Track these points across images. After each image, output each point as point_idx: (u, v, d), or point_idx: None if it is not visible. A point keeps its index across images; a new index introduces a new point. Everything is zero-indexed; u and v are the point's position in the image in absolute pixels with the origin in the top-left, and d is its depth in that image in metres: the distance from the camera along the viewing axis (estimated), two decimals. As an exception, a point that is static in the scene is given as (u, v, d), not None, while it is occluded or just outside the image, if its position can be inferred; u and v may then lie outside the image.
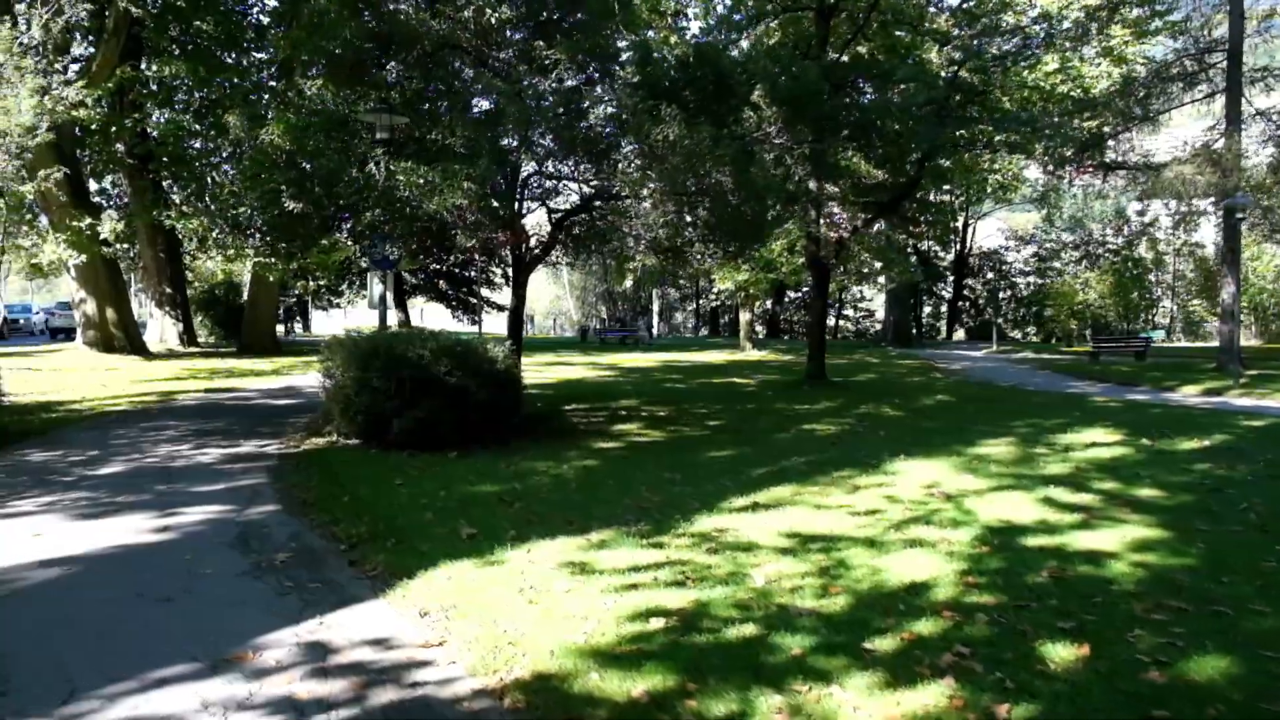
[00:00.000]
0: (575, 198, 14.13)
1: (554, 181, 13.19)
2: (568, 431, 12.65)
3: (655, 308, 65.71)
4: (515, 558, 5.85)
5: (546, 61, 11.63)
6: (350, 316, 68.42)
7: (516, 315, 14.24)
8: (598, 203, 13.46)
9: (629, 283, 43.15)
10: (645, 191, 11.10)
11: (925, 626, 4.64)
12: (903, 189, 20.26)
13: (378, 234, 12.14)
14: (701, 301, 65.85)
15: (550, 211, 13.84)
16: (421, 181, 10.16)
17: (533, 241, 14.07)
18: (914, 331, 47.46)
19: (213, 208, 21.31)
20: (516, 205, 12.98)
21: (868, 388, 20.38)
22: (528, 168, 12.50)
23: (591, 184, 12.61)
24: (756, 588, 5.29)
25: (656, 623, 4.61)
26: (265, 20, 27.54)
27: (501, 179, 11.71)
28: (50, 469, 8.97)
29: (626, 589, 5.20)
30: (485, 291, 47.23)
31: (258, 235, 25.08)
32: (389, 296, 12.87)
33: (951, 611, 4.86)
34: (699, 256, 13.16)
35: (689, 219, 11.73)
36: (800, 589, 5.26)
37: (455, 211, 10.71)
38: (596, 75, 12.00)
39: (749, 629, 4.55)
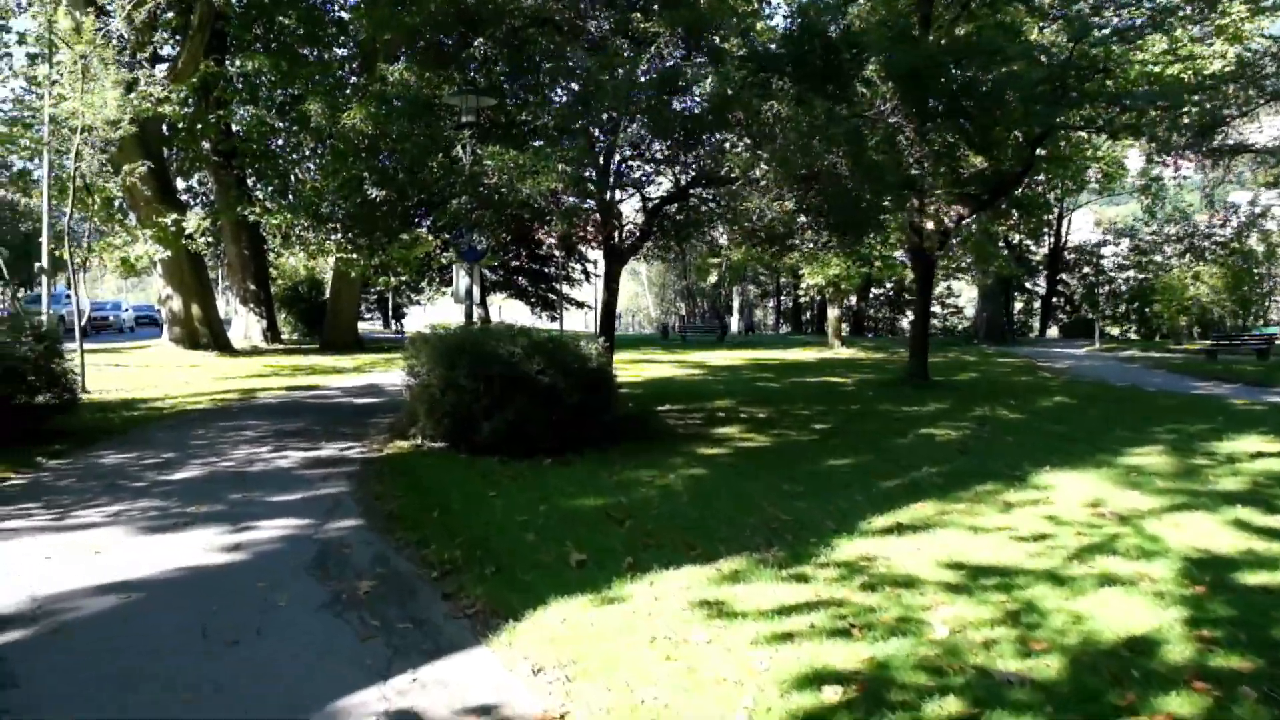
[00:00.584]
0: (668, 184, 13.23)
1: (651, 165, 12.28)
2: (665, 435, 11.73)
3: (735, 304, 64.44)
4: (637, 593, 4.94)
5: (645, 35, 10.72)
6: (430, 313, 68.82)
7: (609, 310, 13.38)
8: (696, 189, 12.51)
9: (713, 278, 42.03)
10: (757, 173, 10.10)
11: (1180, 704, 3.59)
12: (1013, 175, 18.87)
13: (464, 224, 11.39)
14: (782, 298, 64.39)
15: (645, 199, 12.93)
16: (512, 166, 9.33)
17: (624, 231, 13.19)
18: (1006, 328, 45.44)
19: (296, 203, 20.95)
20: (609, 193, 12.10)
21: (974, 388, 19.04)
22: (622, 151, 11.61)
23: (692, 168, 11.65)
24: (939, 640, 4.29)
25: (831, 692, 3.65)
26: (346, 16, 27.28)
27: (595, 163, 10.85)
28: (123, 473, 8.39)
29: (779, 639, 4.25)
30: (564, 288, 46.73)
31: (340, 230, 24.81)
32: (475, 290, 12.12)
33: (1202, 681, 3.81)
34: (808, 245, 12.12)
35: (800, 205, 10.70)
36: (994, 643, 4.24)
37: (549, 197, 9.88)
38: (699, 49, 11.04)
39: (952, 705, 3.56)
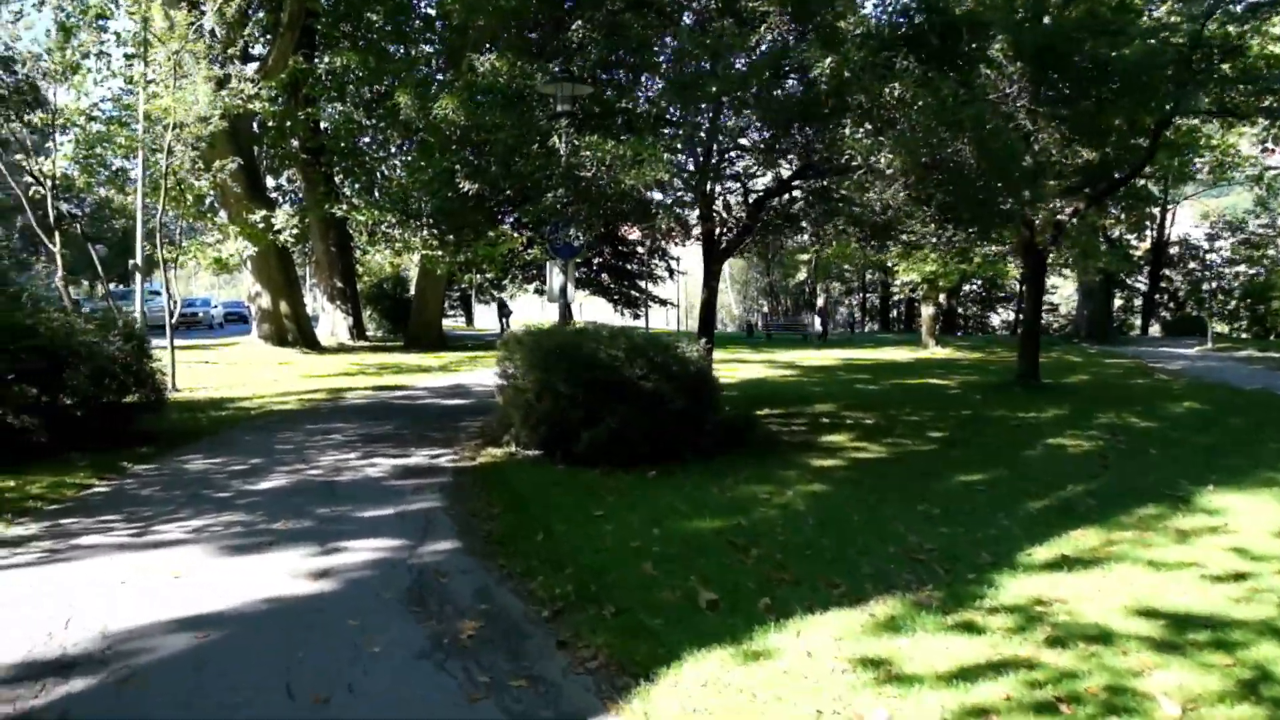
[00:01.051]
0: (769, 176, 12.43)
1: (753, 156, 11.50)
2: (771, 443, 10.96)
3: (820, 302, 63.03)
4: (784, 646, 4.21)
5: (753, 15, 9.96)
6: (516, 310, 68.86)
7: (709, 309, 12.66)
8: (804, 180, 11.69)
9: (801, 275, 40.93)
10: (881, 161, 9.26)
11: None
12: (1136, 163, 17.55)
13: (559, 218, 10.79)
14: (866, 295, 62.76)
15: (747, 192, 12.17)
16: (614, 156, 8.67)
17: (725, 226, 12.43)
18: (1109, 327, 43.31)
19: (382, 200, 20.74)
20: (709, 185, 11.37)
21: (1090, 391, 17.77)
22: (724, 142, 10.86)
23: (801, 157, 10.84)
24: (1174, 723, 3.48)
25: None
26: (432, 11, 27.10)
27: (694, 154, 10.13)
28: (208, 480, 7.97)
29: (974, 717, 3.49)
30: (646, 285, 46.08)
31: (426, 227, 24.59)
32: (571, 289, 11.51)
33: None
34: (927, 240, 11.22)
35: (920, 195, 9.82)
36: (1248, 733, 3.42)
37: (651, 190, 9.20)
38: (811, 28, 10.22)
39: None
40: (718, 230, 11.94)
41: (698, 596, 4.88)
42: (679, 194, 10.19)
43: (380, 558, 5.69)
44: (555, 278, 11.45)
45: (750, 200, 12.11)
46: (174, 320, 16.91)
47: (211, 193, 24.40)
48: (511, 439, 9.67)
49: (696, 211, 10.66)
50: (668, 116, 9.25)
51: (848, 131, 9.62)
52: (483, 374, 19.60)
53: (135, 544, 5.91)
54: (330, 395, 15.05)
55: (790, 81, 10.69)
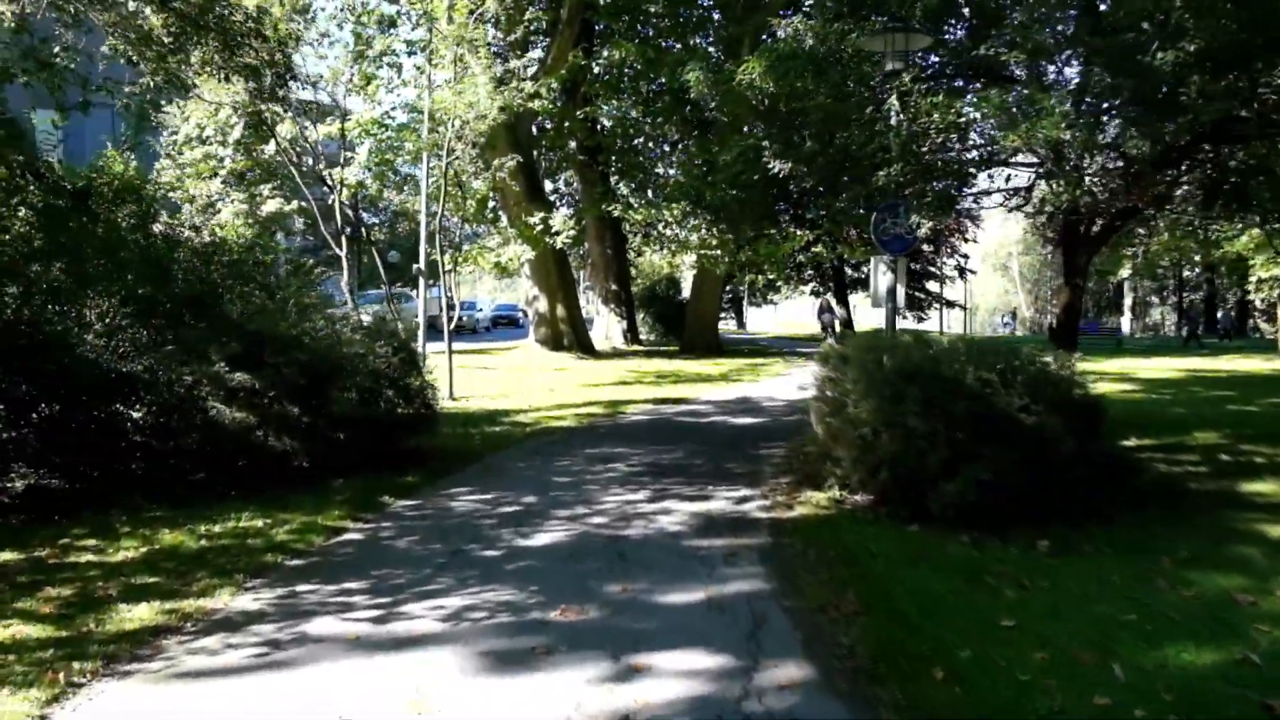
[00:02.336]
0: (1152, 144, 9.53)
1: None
2: (1173, 493, 8.13)
3: (1128, 302, 55.95)
4: None
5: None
6: (779, 313, 66.91)
7: (1072, 314, 9.97)
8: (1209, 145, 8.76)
9: (1125, 272, 35.89)
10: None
11: None
12: None
13: (893, 200, 8.60)
14: (1186, 295, 54.91)
15: (1128, 160, 9.36)
16: (993, 107, 6.37)
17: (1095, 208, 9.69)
18: None
19: (671, 191, 19.40)
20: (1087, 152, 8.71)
21: None
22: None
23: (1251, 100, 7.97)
24: None
25: None
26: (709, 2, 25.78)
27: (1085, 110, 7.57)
28: (475, 529, 6.50)
29: None
30: (929, 285, 42.37)
31: (708, 224, 23.06)
32: (900, 292, 9.28)
33: None
34: None
35: None
36: None
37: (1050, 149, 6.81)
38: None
39: None
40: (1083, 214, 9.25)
41: None
42: (1047, 162, 7.74)
43: (699, 693, 3.81)
44: (882, 277, 9.23)
45: (1133, 171, 9.27)
46: (451, 326, 16.28)
47: (494, 196, 24.28)
48: (835, 481, 7.60)
49: (1072, 186, 8.09)
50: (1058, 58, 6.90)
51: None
52: (768, 386, 17.66)
53: (374, 638, 4.39)
54: (608, 409, 13.66)
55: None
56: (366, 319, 9.67)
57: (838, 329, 17.51)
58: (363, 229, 17.65)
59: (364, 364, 8.32)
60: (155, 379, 7.47)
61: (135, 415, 7.32)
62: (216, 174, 29.72)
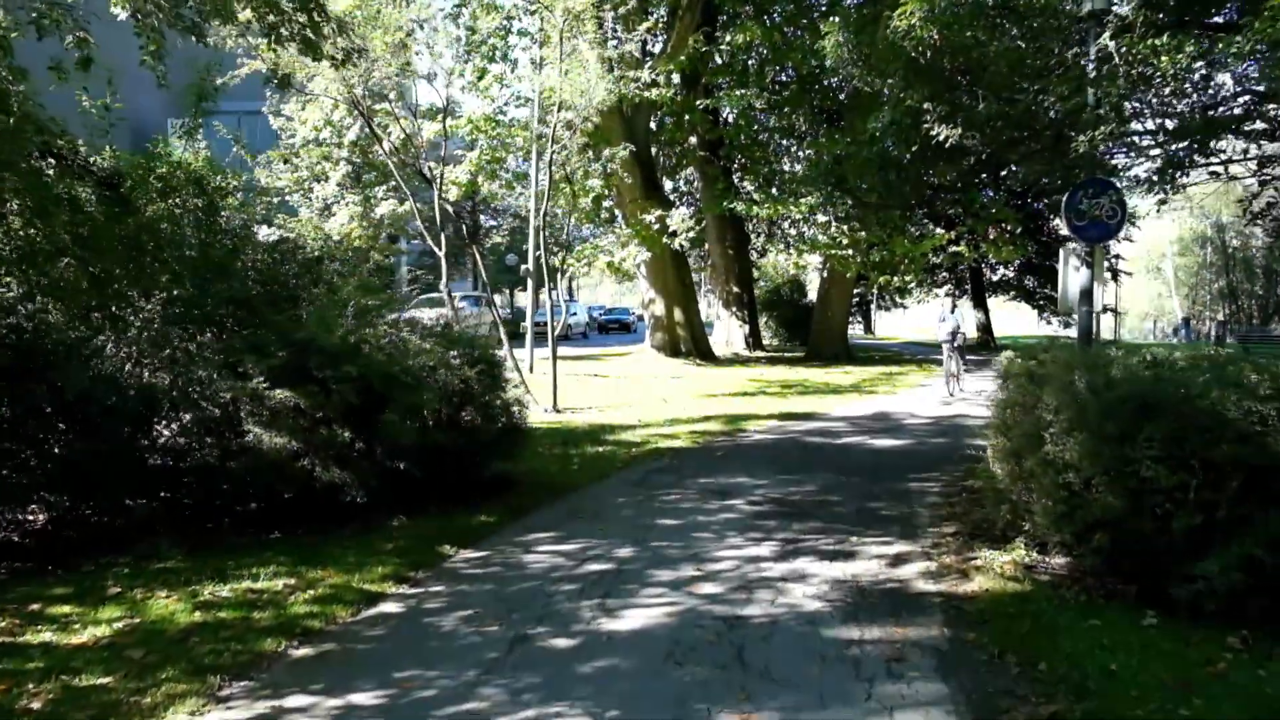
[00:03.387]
0: None
1: None
2: None
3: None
4: None
5: None
6: (909, 317, 63.68)
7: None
8: None
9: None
10: None
11: None
12: None
13: (1096, 173, 6.70)
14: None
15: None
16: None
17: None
18: None
19: (809, 172, 17.70)
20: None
21: None
22: None
23: None
24: None
25: None
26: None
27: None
28: (545, 600, 4.98)
29: None
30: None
31: (834, 220, 21.19)
32: (1099, 294, 7.34)
33: None
34: None
35: None
36: None
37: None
38: None
39: None
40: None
41: None
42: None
43: None
44: (1074, 275, 7.28)
45: None
46: (558, 332, 14.94)
47: (610, 194, 22.99)
48: (1022, 539, 5.79)
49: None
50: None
51: None
52: (908, 399, 15.70)
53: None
54: (727, 426, 12.03)
55: None
56: (428, 319, 8.32)
57: (961, 340, 15.32)
58: (464, 227, 16.49)
59: (435, 378, 6.94)
60: (186, 397, 6.26)
61: (161, 440, 6.14)
62: (328, 176, 29.53)
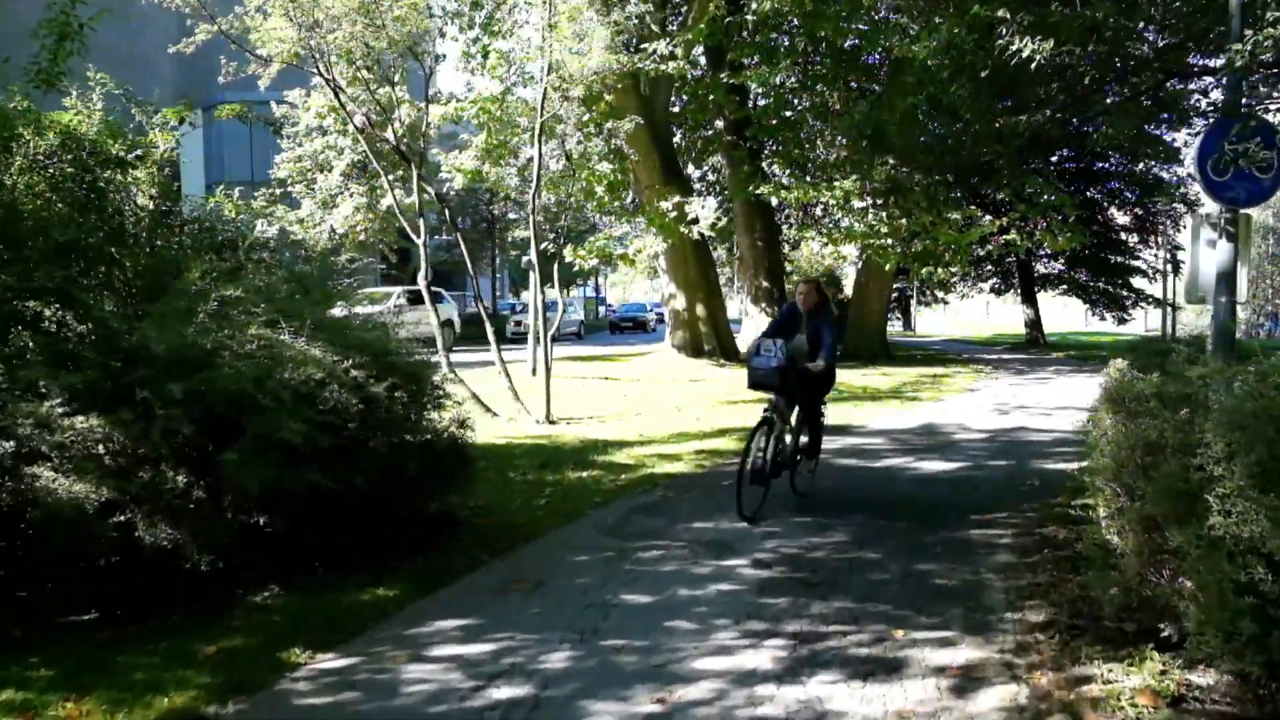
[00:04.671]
0: None
1: None
2: None
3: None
4: None
5: None
6: (955, 313, 61.02)
7: None
8: None
9: None
10: None
11: None
12: None
13: (1235, 119, 4.67)
14: None
15: None
16: None
17: None
18: None
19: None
20: None
21: None
22: None
23: None
24: None
25: None
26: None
27: None
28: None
29: None
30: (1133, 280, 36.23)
31: (873, 205, 19.13)
32: (1243, 275, 5.29)
33: None
34: None
35: None
36: None
37: None
38: None
39: None
40: None
41: None
42: None
43: None
44: (1205, 253, 5.23)
45: None
46: (552, 333, 13.07)
47: (628, 182, 21.07)
48: (1155, 644, 3.81)
49: None
50: None
51: None
52: (957, 408, 13.62)
53: None
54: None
55: None
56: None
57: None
58: (447, 211, 14.64)
59: (324, 396, 5.06)
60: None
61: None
62: (332, 166, 27.90)
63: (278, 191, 28.93)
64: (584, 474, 8.50)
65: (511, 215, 39.41)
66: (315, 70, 12.00)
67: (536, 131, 12.47)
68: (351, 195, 27.77)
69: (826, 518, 6.68)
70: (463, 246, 13.84)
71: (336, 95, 12.69)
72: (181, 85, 38.19)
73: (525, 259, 12.89)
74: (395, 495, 5.67)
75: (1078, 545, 5.43)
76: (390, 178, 25.29)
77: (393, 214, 25.58)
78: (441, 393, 6.45)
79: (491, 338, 12.92)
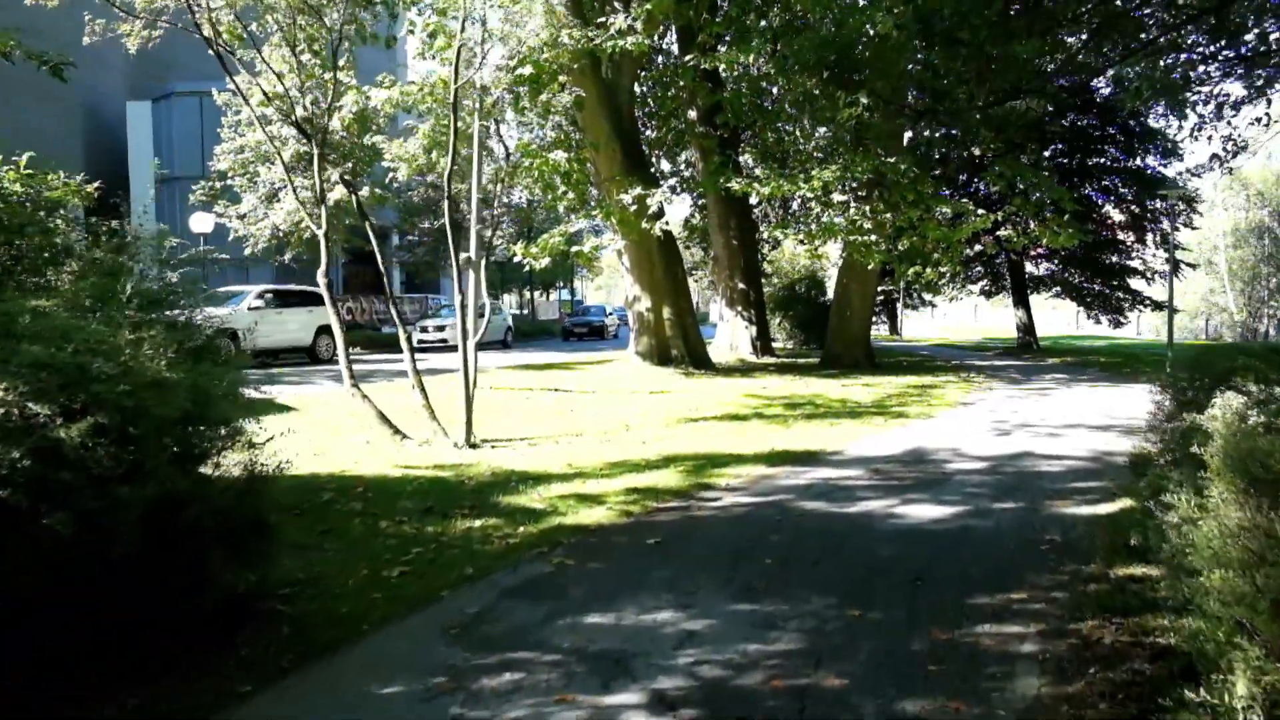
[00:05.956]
0: None
1: None
2: None
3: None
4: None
5: None
6: (943, 316, 59.42)
7: None
8: None
9: None
10: None
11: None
12: None
13: None
14: None
15: None
16: None
17: None
18: None
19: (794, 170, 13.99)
20: None
21: None
22: None
23: None
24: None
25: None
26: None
27: None
28: None
29: None
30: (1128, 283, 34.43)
31: (854, 196, 17.38)
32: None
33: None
34: None
35: None
36: None
37: None
38: None
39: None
40: None
41: None
42: None
43: None
44: None
45: None
46: (478, 338, 11.17)
47: (589, 175, 19.16)
48: None
49: None
50: None
51: None
52: (949, 426, 11.76)
53: None
54: (688, 479, 8.17)
55: None
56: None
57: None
58: (354, 199, 12.73)
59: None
60: None
61: None
62: (276, 159, 25.85)
63: (218, 185, 27.00)
64: (475, 523, 6.61)
65: (485, 213, 37.45)
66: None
67: (452, 98, 10.57)
68: (298, 189, 25.77)
69: (776, 601, 4.78)
70: (374, 241, 11.87)
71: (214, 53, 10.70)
72: (131, 75, 36.25)
73: (464, 256, 10.95)
74: (114, 590, 3.76)
75: (1137, 663, 3.66)
76: (338, 172, 23.06)
77: (346, 209, 23.65)
78: (232, 429, 4.53)
79: (405, 345, 11.02)
